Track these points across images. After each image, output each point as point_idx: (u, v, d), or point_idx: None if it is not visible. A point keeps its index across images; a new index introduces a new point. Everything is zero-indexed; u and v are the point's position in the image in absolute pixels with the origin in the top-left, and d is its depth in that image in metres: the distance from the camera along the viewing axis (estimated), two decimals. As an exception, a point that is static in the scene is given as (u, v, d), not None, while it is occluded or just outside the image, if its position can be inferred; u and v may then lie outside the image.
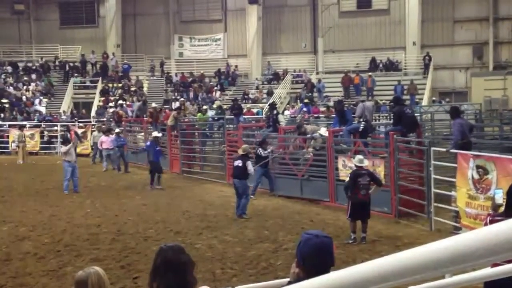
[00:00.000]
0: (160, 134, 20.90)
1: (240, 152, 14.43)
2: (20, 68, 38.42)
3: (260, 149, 16.60)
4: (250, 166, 14.13)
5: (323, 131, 16.94)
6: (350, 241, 11.34)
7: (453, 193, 12.10)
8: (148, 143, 20.10)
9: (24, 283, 9.08)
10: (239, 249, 10.86)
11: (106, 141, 23.79)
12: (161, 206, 15.52)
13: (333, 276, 1.83)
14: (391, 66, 35.55)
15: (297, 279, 3.11)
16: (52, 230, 12.69)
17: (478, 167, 11.10)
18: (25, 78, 37.28)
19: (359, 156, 12.31)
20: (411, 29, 35.66)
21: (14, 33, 40.04)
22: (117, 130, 24.58)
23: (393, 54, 35.94)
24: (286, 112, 29.53)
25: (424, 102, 31.20)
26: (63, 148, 18.80)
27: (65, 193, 17.78)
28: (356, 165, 11.97)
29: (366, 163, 12.19)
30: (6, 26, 39.53)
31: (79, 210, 15.01)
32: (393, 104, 17.81)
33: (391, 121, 16.79)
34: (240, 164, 13.97)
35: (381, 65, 35.74)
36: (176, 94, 35.93)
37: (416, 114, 19.67)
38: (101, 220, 13.74)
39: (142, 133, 25.64)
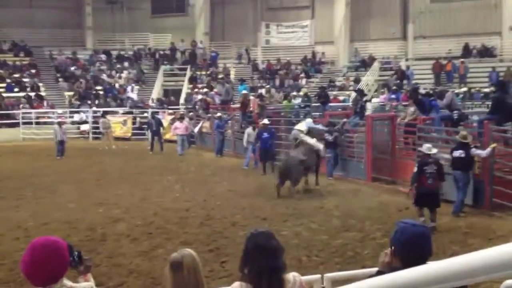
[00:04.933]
0: (268, 122, 19.88)
1: (459, 139, 12.75)
2: (114, 56, 39.87)
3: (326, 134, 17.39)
4: (477, 152, 12.63)
5: (300, 126, 16.63)
6: None
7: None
8: (257, 131, 19.83)
9: (118, 263, 9.44)
10: (325, 237, 10.83)
11: (181, 127, 24.29)
12: (247, 192, 15.71)
13: (432, 267, 1.80)
14: (486, 52, 34.07)
15: (390, 268, 3.06)
16: (144, 212, 13.16)
17: None
18: (118, 66, 38.71)
19: (427, 144, 12.10)
20: (507, 13, 33.95)
21: (108, 22, 41.48)
22: (218, 114, 24.85)
23: (488, 39, 34.42)
24: (375, 100, 28.99)
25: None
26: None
27: (245, 168, 19.90)
28: (424, 153, 11.76)
29: (435, 151, 11.97)
30: (101, 16, 41.02)
31: (169, 194, 15.46)
32: (494, 89, 16.96)
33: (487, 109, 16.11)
34: (463, 155, 12.41)
35: (474, 51, 34.34)
36: (262, 81, 36.17)
37: None
38: (190, 204, 14.09)
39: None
